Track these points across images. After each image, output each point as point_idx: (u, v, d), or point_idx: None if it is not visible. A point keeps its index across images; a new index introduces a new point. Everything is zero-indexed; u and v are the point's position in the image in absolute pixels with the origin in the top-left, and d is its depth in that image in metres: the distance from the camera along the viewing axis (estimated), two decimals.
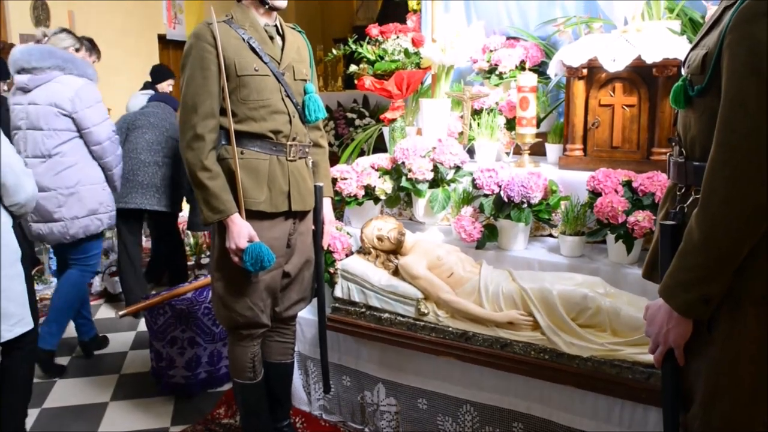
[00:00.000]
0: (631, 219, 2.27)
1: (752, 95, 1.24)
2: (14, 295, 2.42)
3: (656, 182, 2.33)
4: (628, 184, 2.39)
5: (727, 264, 1.29)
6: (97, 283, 4.68)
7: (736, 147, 1.25)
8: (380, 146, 3.59)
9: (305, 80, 2.32)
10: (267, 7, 2.22)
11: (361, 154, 3.69)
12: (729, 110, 1.27)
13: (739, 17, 1.27)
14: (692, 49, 1.47)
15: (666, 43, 2.46)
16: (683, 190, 1.47)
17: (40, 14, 7.80)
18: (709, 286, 1.31)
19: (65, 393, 3.26)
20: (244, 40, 2.18)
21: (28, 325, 2.49)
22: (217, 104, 2.16)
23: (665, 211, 1.54)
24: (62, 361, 3.58)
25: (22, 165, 2.47)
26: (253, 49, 2.18)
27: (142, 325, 4.01)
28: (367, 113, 6.04)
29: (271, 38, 2.26)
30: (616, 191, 2.38)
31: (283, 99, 2.23)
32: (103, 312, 4.42)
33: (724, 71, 1.30)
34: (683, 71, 1.49)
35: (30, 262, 3.36)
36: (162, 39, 9.43)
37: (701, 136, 1.39)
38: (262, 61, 2.19)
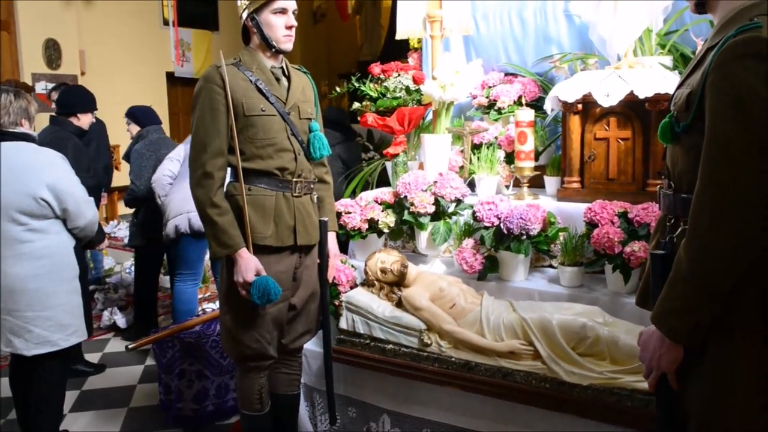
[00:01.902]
0: (627, 249, 2.32)
1: (734, 134, 1.28)
2: (71, 308, 2.72)
3: (651, 213, 2.37)
4: (623, 215, 2.45)
5: (715, 292, 1.33)
6: (106, 317, 4.73)
7: (719, 184, 1.30)
8: (384, 179, 3.66)
9: (310, 119, 2.40)
10: (273, 50, 2.31)
11: (366, 186, 3.76)
12: (712, 149, 1.32)
13: (720, 58, 1.32)
14: (678, 88, 1.52)
15: (657, 79, 2.54)
16: (673, 221, 1.52)
17: (52, 54, 7.99)
18: (698, 314, 1.35)
19: (75, 426, 3.28)
20: (251, 81, 2.27)
21: (83, 335, 2.79)
22: (226, 143, 2.24)
23: (656, 241, 1.59)
24: (71, 395, 3.60)
25: (84, 195, 2.72)
26: (260, 90, 2.27)
27: (150, 359, 4.05)
28: (371, 147, 6.14)
29: (278, 79, 2.35)
30: (612, 222, 2.43)
31: (288, 137, 2.31)
32: (112, 345, 4.46)
33: (707, 110, 1.34)
34: (671, 108, 1.54)
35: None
36: (170, 76, 9.64)
37: (688, 171, 1.44)
38: (269, 101, 2.28)
